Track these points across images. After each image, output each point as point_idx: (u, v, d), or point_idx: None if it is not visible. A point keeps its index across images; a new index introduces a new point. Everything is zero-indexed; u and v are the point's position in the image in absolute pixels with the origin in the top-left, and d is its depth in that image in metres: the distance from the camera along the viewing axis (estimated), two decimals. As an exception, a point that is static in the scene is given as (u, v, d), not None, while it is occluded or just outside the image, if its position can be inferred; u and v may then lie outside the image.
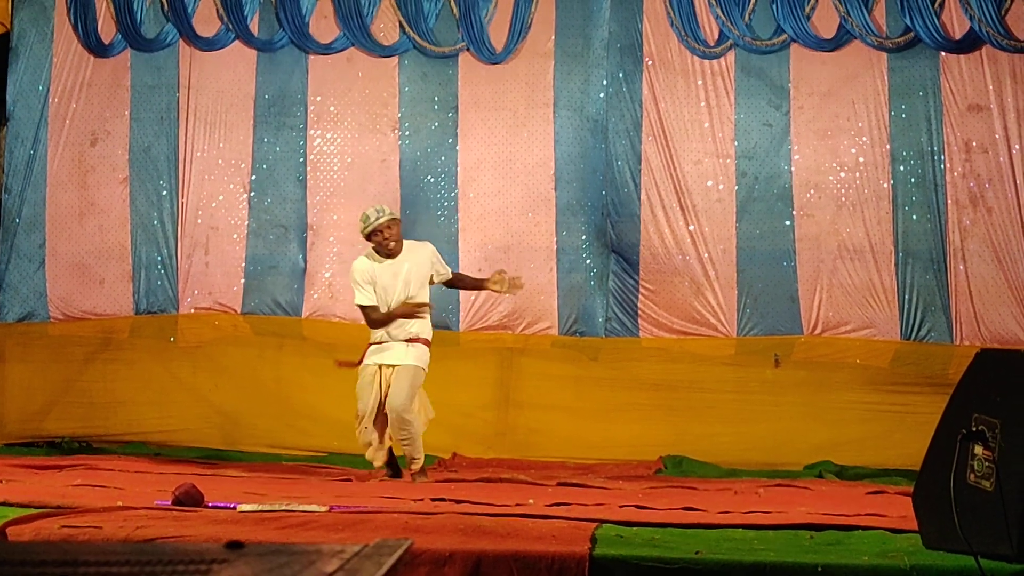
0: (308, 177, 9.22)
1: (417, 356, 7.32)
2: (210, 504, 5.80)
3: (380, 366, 7.35)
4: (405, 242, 7.47)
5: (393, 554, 1.50)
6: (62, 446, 8.96)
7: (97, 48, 9.26)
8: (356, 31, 9.09)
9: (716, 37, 8.84)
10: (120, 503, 5.69)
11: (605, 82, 8.97)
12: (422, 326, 7.36)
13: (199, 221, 9.27)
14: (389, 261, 7.37)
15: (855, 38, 8.66)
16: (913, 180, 8.65)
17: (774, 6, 8.72)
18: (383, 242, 7.34)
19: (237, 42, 9.25)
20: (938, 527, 4.27)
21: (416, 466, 7.35)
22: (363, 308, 7.39)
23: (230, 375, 9.17)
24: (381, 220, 7.32)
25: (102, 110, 9.33)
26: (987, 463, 4.09)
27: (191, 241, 9.26)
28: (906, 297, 8.62)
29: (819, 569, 4.36)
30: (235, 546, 1.55)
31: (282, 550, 1.54)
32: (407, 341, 7.32)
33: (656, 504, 6.07)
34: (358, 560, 1.46)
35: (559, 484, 7.25)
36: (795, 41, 8.76)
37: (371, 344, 7.43)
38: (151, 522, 5.11)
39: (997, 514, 4.00)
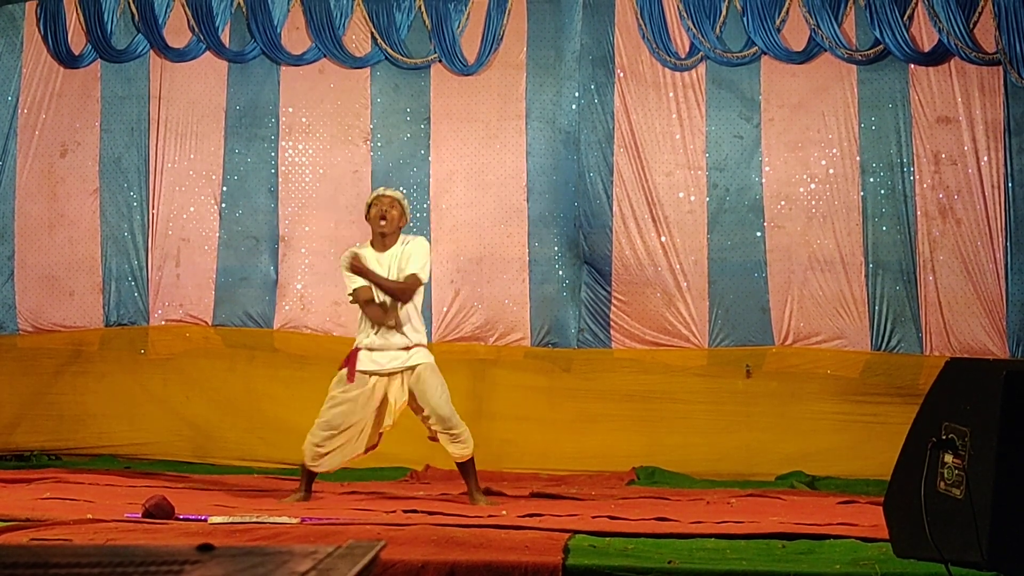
0: (280, 188, 9.20)
1: (427, 355, 6.86)
2: (181, 516, 5.77)
3: (379, 375, 6.81)
4: (404, 237, 6.96)
5: (367, 554, 1.49)
6: (31, 459, 8.89)
7: (67, 59, 9.21)
8: (328, 42, 9.09)
9: (687, 49, 8.88)
10: (90, 516, 5.65)
11: (577, 94, 8.99)
12: (417, 335, 6.88)
13: (170, 233, 9.23)
14: (381, 253, 6.88)
15: (825, 50, 8.71)
16: (883, 192, 8.70)
17: (745, 19, 8.76)
18: (374, 217, 6.89)
19: (208, 53, 9.22)
20: (909, 535, 4.29)
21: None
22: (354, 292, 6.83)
23: (201, 387, 9.13)
24: (382, 194, 6.96)
25: (72, 121, 9.28)
26: (957, 471, 4.11)
27: (162, 253, 9.22)
28: (876, 308, 8.66)
29: (791, 577, 4.38)
30: (206, 548, 1.55)
31: (254, 551, 1.52)
32: (405, 349, 6.82)
33: (629, 514, 6.08)
34: (331, 560, 1.45)
35: (532, 495, 7.25)
36: (765, 53, 8.80)
37: (359, 349, 6.87)
38: (121, 534, 5.08)
39: (967, 522, 4.01)
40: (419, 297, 6.93)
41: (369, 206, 7.02)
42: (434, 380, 6.82)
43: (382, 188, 7.21)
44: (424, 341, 6.98)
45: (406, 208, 7.04)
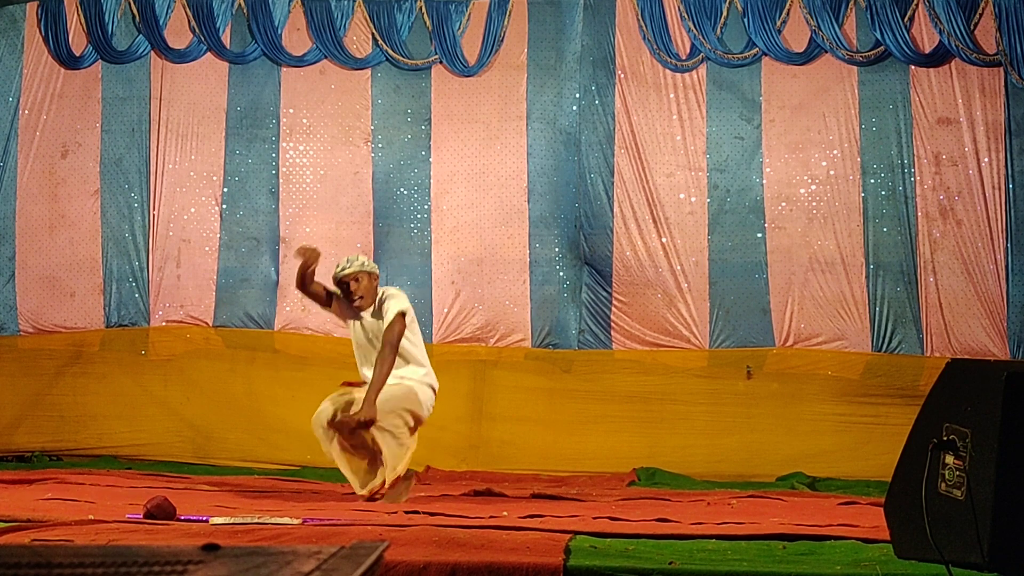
0: (280, 189, 9.20)
1: (410, 380, 6.81)
2: (182, 517, 5.76)
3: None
4: (381, 291, 6.90)
5: (371, 555, 1.49)
6: (32, 460, 8.89)
7: (68, 60, 9.22)
8: (329, 43, 9.09)
9: (688, 50, 8.88)
10: (91, 517, 5.64)
11: (578, 95, 9.00)
12: (406, 370, 6.81)
13: (171, 234, 9.23)
14: (361, 318, 6.89)
15: (826, 52, 8.72)
16: (883, 193, 8.71)
17: (745, 20, 8.77)
18: (349, 295, 6.85)
19: (209, 54, 9.23)
20: (910, 536, 4.28)
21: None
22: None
23: (202, 388, 9.13)
24: (347, 271, 6.84)
25: (73, 122, 9.28)
26: (958, 472, 4.11)
27: (163, 254, 9.22)
28: (877, 309, 8.67)
29: (792, 579, 4.38)
30: (211, 548, 1.55)
31: (258, 551, 1.52)
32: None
33: (630, 515, 6.07)
34: (335, 560, 1.45)
35: (533, 496, 7.25)
36: (766, 55, 8.81)
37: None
38: (123, 535, 5.07)
39: (968, 523, 4.01)
40: (416, 337, 6.89)
41: (339, 283, 6.90)
42: (394, 389, 6.69)
43: (341, 262, 6.93)
44: (416, 376, 6.85)
45: (371, 270, 6.91)
